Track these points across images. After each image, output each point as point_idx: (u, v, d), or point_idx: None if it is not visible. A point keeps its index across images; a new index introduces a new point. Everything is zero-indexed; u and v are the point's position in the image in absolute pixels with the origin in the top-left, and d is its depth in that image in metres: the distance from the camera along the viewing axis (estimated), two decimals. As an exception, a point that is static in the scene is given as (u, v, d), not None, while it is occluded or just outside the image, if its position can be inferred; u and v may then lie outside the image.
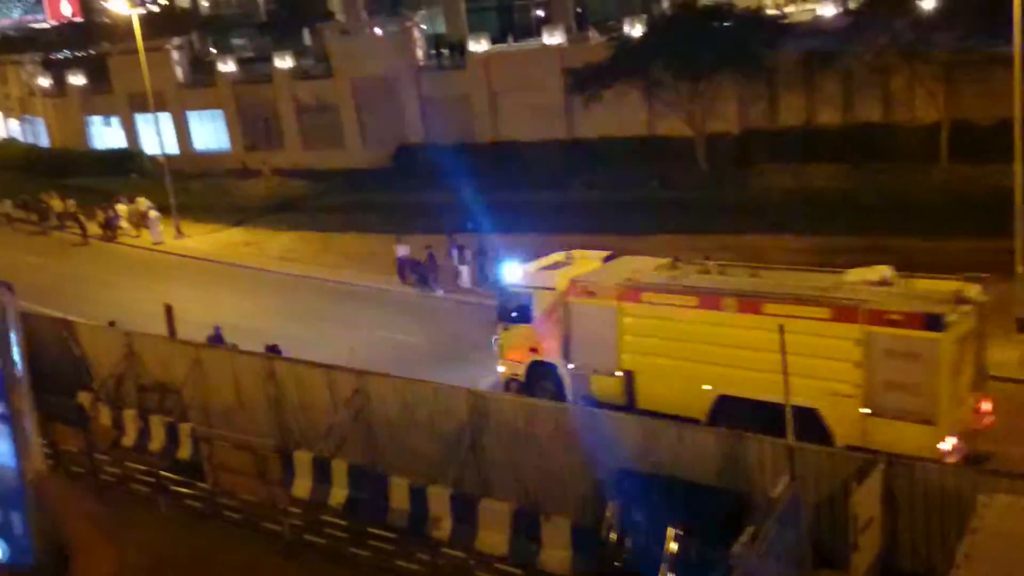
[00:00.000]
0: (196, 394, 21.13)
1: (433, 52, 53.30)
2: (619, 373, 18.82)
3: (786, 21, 40.43)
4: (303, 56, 57.97)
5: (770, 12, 43.37)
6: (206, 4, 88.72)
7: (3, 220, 45.81)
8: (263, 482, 17.13)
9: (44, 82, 63.74)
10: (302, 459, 18.53)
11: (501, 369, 20.93)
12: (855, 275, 17.56)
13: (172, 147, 51.17)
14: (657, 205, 34.78)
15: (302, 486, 18.27)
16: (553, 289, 19.76)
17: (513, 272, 21.26)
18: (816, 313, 16.48)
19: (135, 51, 43.02)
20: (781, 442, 13.91)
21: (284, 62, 52.13)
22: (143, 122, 54.87)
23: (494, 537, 15.95)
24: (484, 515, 16.21)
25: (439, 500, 16.68)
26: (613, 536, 14.49)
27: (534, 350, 20.21)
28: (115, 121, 58.68)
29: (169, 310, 25.92)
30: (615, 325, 18.70)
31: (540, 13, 62.21)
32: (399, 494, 17.21)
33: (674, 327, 17.99)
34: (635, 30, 40.75)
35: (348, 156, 49.20)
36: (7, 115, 71.06)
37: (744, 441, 14.63)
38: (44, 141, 63.76)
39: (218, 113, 54.55)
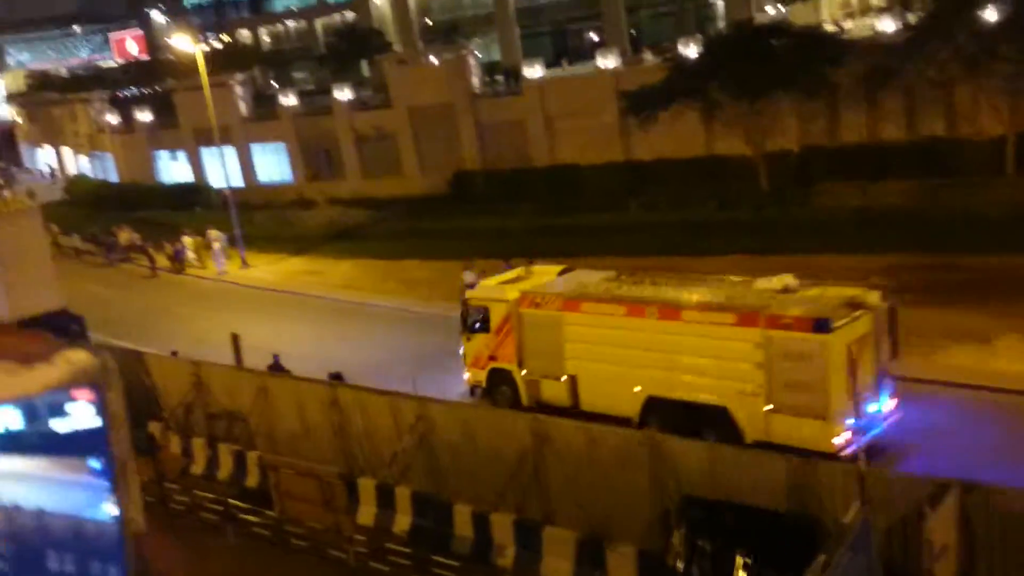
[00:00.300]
0: (262, 422, 21.44)
1: (488, 79, 53.88)
2: (564, 378, 20.56)
3: (845, 37, 39.95)
4: (362, 87, 59.08)
5: (828, 29, 42.88)
6: (268, 40, 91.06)
7: (72, 254, 47.26)
8: (328, 509, 17.25)
9: (112, 119, 65.84)
10: (366, 486, 18.65)
11: (466, 376, 22.88)
12: (762, 283, 19.14)
13: (236, 179, 52.37)
14: (717, 226, 34.47)
15: (367, 513, 18.38)
16: (507, 301, 21.53)
17: (474, 286, 23.63)
18: (723, 319, 17.91)
19: (200, 87, 44.24)
20: (852, 466, 13.61)
21: (343, 93, 53.09)
22: (208, 155, 56.31)
23: (559, 565, 15.83)
24: (548, 542, 16.11)
25: (502, 527, 16.63)
26: (680, 564, 14.26)
27: (493, 358, 22.02)
28: (181, 155, 60.30)
29: (235, 339, 26.42)
30: (559, 333, 20.45)
31: (594, 37, 62.57)
32: (463, 521, 17.20)
33: (608, 334, 19.63)
34: (690, 51, 40.63)
35: (406, 183, 49.82)
36: (77, 152, 73.55)
37: (813, 466, 14.34)
38: (113, 176, 65.78)
39: (280, 145, 55.73)
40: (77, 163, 74.11)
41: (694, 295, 19.40)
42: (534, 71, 46.61)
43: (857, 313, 17.48)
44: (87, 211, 57.16)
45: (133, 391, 23.11)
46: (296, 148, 55.14)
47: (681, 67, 39.21)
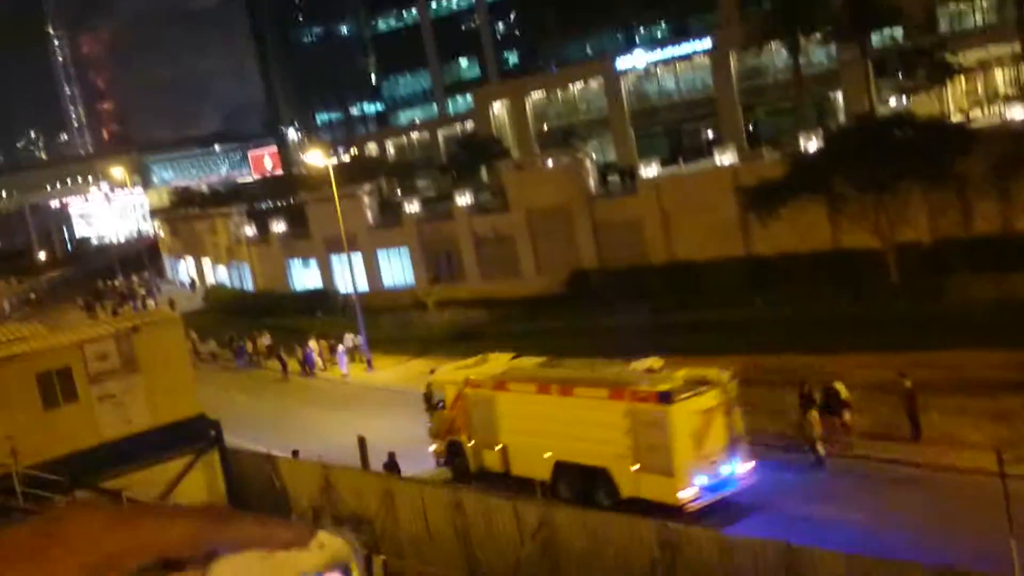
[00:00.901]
0: (388, 525, 21.51)
1: (604, 179, 54.56)
2: (498, 447, 24.15)
3: (972, 126, 38.80)
4: (481, 192, 60.75)
5: (955, 118, 41.77)
6: (393, 151, 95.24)
7: (209, 359, 49.44)
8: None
9: (249, 230, 69.52)
10: (490, 593, 18.37)
11: (432, 447, 26.45)
12: (635, 365, 22.82)
13: (362, 284, 54.15)
14: (847, 322, 33.32)
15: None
16: (457, 383, 25.43)
17: (436, 372, 28.17)
18: (600, 393, 21.60)
19: (330, 198, 46.37)
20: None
21: (463, 199, 54.68)
22: (337, 262, 58.57)
23: None
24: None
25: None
26: None
27: (449, 431, 25.72)
28: (312, 263, 62.93)
29: (362, 442, 26.85)
30: (493, 409, 24.12)
31: (710, 134, 62.81)
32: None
33: (526, 409, 23.25)
34: (811, 145, 40.20)
35: (524, 284, 50.41)
36: (216, 262, 77.70)
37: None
38: (249, 285, 69.05)
39: (404, 250, 57.53)
40: (216, 273, 78.22)
41: (584, 374, 22.97)
42: (650, 170, 46.95)
43: (702, 388, 20.63)
44: (224, 318, 60.00)
45: (265, 493, 23.68)
46: (418, 252, 56.80)
47: (802, 161, 38.76)
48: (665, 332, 36.57)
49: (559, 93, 73.67)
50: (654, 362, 22.88)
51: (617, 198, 50.06)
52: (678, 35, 68.67)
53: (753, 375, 26.63)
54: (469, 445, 25.09)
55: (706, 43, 63.79)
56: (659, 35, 71.78)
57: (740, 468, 20.99)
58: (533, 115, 74.70)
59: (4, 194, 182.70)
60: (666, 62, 66.52)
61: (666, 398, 20.27)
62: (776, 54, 58.90)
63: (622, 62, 67.68)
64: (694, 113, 66.02)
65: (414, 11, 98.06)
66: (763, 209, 38.28)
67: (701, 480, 20.22)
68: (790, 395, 25.20)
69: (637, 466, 20.75)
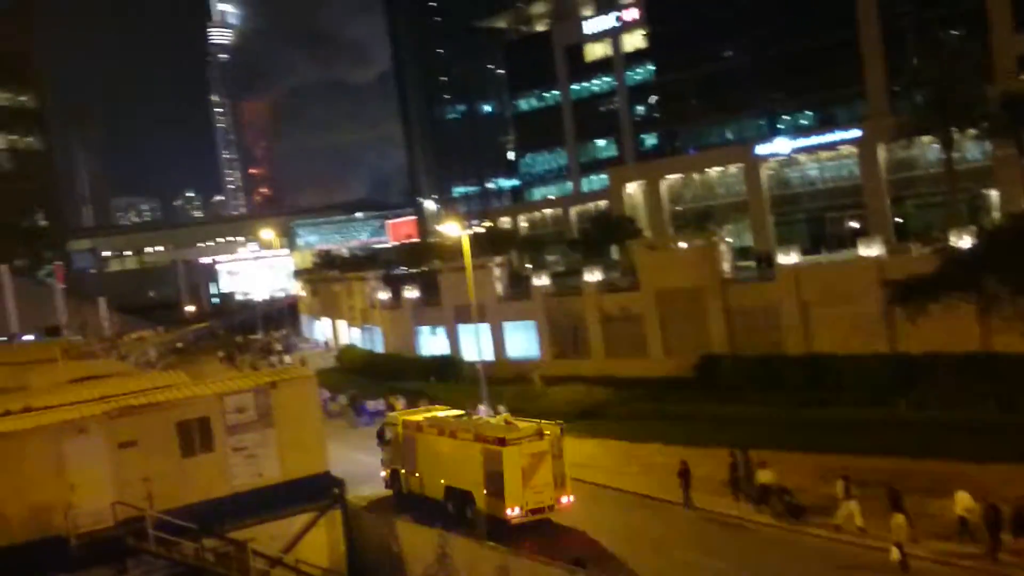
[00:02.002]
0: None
1: (739, 264, 53.54)
2: (418, 474, 31.49)
3: None
4: (611, 270, 60.60)
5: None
6: (525, 225, 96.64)
7: (337, 416, 50.42)
8: None
9: (383, 295, 71.42)
10: None
11: (382, 473, 33.64)
12: (497, 419, 32.23)
13: (488, 354, 54.49)
14: (996, 428, 31.18)
15: None
16: (397, 425, 33.18)
17: (390, 416, 36.08)
18: (469, 437, 29.00)
19: (462, 268, 47.13)
20: None
21: (593, 275, 54.62)
22: (464, 331, 59.30)
23: None
24: None
25: None
26: None
27: (391, 462, 33.21)
28: (440, 330, 63.91)
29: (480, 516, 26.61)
30: (415, 446, 31.78)
31: (854, 225, 60.97)
32: None
33: (432, 447, 30.86)
34: (963, 241, 38.36)
35: (651, 365, 49.59)
36: (351, 324, 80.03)
37: None
38: (379, 347, 70.64)
39: (530, 323, 57.74)
40: (349, 334, 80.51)
41: (465, 424, 30.89)
42: (789, 257, 45.78)
43: (533, 437, 27.54)
44: (354, 378, 61.45)
45: (382, 556, 23.67)
46: (545, 326, 56.88)
47: (954, 258, 36.94)
48: (799, 428, 35.12)
49: (696, 176, 73.34)
50: (507, 416, 32.04)
51: (753, 284, 48.92)
52: (823, 124, 67.52)
53: (898, 481, 25.14)
54: (402, 472, 32.50)
55: (853, 133, 62.48)
56: (803, 123, 70.77)
57: (562, 498, 27.73)
58: (668, 196, 74.50)
59: (161, 248, 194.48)
60: (810, 150, 65.40)
61: (502, 442, 27.26)
62: (927, 147, 57.08)
63: (763, 148, 66.94)
64: (838, 202, 64.38)
65: (555, 92, 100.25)
66: (910, 305, 36.46)
67: (526, 504, 27.03)
68: (940, 501, 23.67)
69: (485, 491, 27.74)
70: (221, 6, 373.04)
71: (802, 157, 66.24)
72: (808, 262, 47.41)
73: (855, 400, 37.21)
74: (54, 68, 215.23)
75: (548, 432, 27.84)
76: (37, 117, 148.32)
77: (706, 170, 72.52)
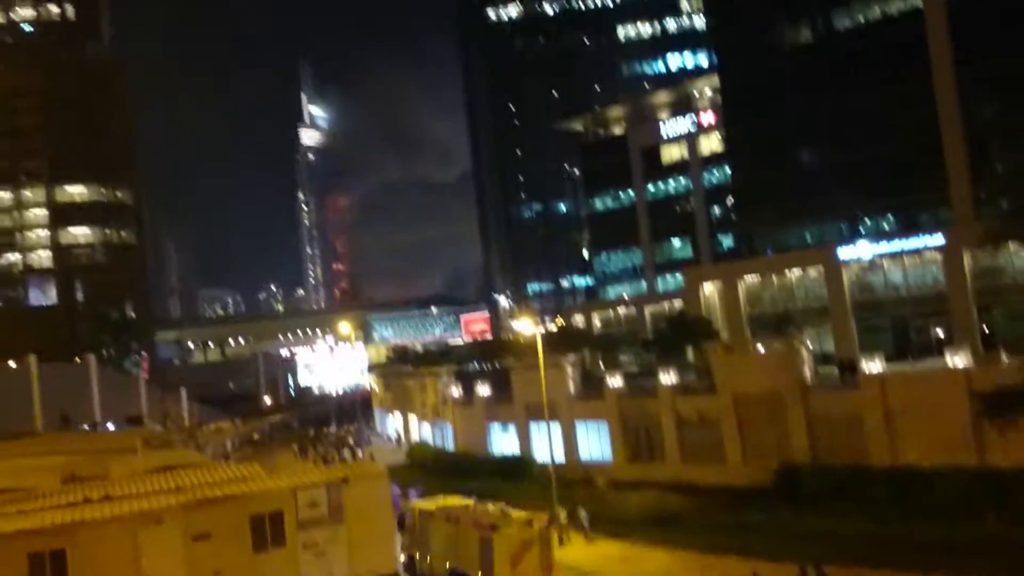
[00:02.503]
0: None
1: (821, 370, 52.26)
2: (429, 558, 35.02)
3: None
4: (686, 372, 59.69)
5: None
6: (599, 323, 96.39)
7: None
8: None
9: (455, 391, 71.48)
10: None
11: (400, 558, 35.02)
12: (492, 509, 34.67)
13: (559, 455, 53.73)
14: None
15: None
16: (413, 510, 37.45)
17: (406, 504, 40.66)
18: (469, 523, 33.14)
19: (535, 366, 47.02)
20: None
21: (668, 377, 53.86)
22: (536, 430, 58.77)
23: None
24: None
25: None
26: None
27: (410, 546, 36.65)
28: (511, 428, 63.46)
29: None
30: (427, 531, 35.43)
31: (940, 332, 59.24)
32: None
33: (440, 531, 34.49)
34: (1057, 352, 36.88)
35: (728, 472, 48.22)
36: (422, 419, 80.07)
37: None
38: (450, 444, 70.35)
39: (603, 424, 56.93)
40: (420, 430, 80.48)
41: (466, 513, 34.63)
42: (873, 364, 44.52)
43: (522, 524, 31.79)
44: (423, 475, 61.05)
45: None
46: (618, 428, 55.99)
47: (1045, 369, 35.50)
48: (881, 543, 33.55)
49: (775, 278, 72.50)
50: (504, 507, 34.84)
51: (836, 391, 47.60)
52: (906, 228, 66.41)
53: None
54: (417, 557, 35.77)
55: (937, 239, 61.28)
56: (885, 227, 69.73)
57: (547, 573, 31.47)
58: (746, 298, 73.62)
59: (242, 340, 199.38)
60: (893, 255, 64.24)
61: (493, 528, 31.29)
62: (1015, 255, 55.57)
63: (845, 252, 65.99)
64: (922, 309, 62.73)
65: (631, 192, 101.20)
66: (1000, 418, 35.01)
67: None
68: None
69: (480, 572, 31.32)
70: (312, 108, 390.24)
71: (885, 262, 65.03)
72: (893, 370, 46.00)
73: (941, 515, 35.47)
74: (150, 162, 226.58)
75: (536, 522, 32.54)
76: (132, 212, 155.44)
77: (785, 272, 71.66)
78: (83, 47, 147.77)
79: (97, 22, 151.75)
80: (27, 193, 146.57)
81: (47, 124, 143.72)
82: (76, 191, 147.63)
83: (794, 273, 71.22)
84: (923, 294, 63.23)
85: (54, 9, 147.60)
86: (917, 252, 63.06)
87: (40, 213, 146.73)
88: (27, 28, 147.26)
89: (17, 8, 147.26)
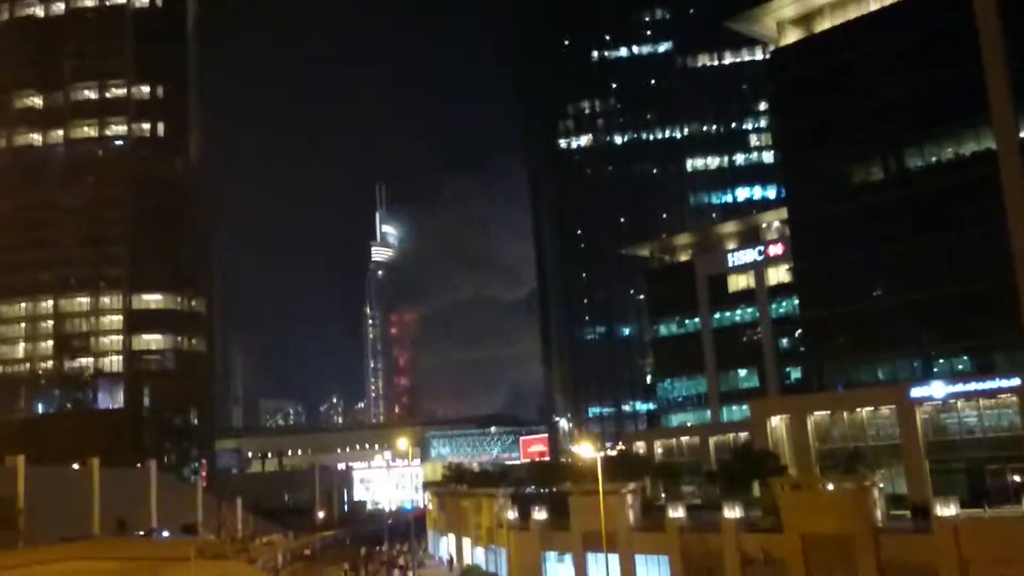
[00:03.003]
0: None
1: (893, 512, 50.08)
2: None
3: None
4: (751, 507, 57.63)
5: None
6: (660, 451, 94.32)
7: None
8: None
9: (511, 514, 69.99)
10: None
11: None
12: None
13: (617, 589, 51.79)
14: None
15: None
16: None
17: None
18: None
19: (594, 492, 46.00)
20: None
21: (733, 512, 52.07)
22: (593, 561, 56.98)
23: None
24: None
25: None
26: None
27: None
28: (567, 558, 61.61)
29: None
30: None
31: (1017, 479, 56.61)
32: None
33: None
34: None
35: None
36: (475, 543, 78.35)
37: None
38: (503, 571, 68.49)
39: (663, 559, 54.93)
40: (473, 554, 78.64)
41: None
42: (948, 509, 42.49)
43: None
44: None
45: None
46: (679, 563, 53.93)
47: None
48: None
49: (845, 414, 70.40)
50: None
51: (908, 535, 45.40)
52: (982, 369, 64.37)
53: None
54: None
55: (1014, 382, 59.34)
56: (959, 367, 67.66)
57: None
58: (815, 433, 71.45)
59: (300, 452, 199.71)
60: (968, 395, 62.13)
61: None
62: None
63: (918, 391, 64.07)
64: (999, 453, 60.09)
65: (696, 320, 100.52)
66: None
67: None
68: None
69: None
70: (385, 227, 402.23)
71: (959, 402, 62.85)
72: (969, 516, 43.85)
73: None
74: (225, 271, 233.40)
75: None
76: (205, 321, 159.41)
77: (856, 409, 69.58)
78: (170, 163, 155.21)
79: (186, 139, 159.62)
80: (105, 299, 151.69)
81: (130, 234, 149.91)
82: (152, 299, 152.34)
83: (865, 410, 69.09)
84: (999, 437, 60.75)
85: (146, 126, 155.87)
86: (992, 394, 60.96)
87: (116, 319, 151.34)
88: (119, 143, 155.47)
89: (112, 124, 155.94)
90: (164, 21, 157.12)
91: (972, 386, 61.99)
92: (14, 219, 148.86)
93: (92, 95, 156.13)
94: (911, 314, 69.03)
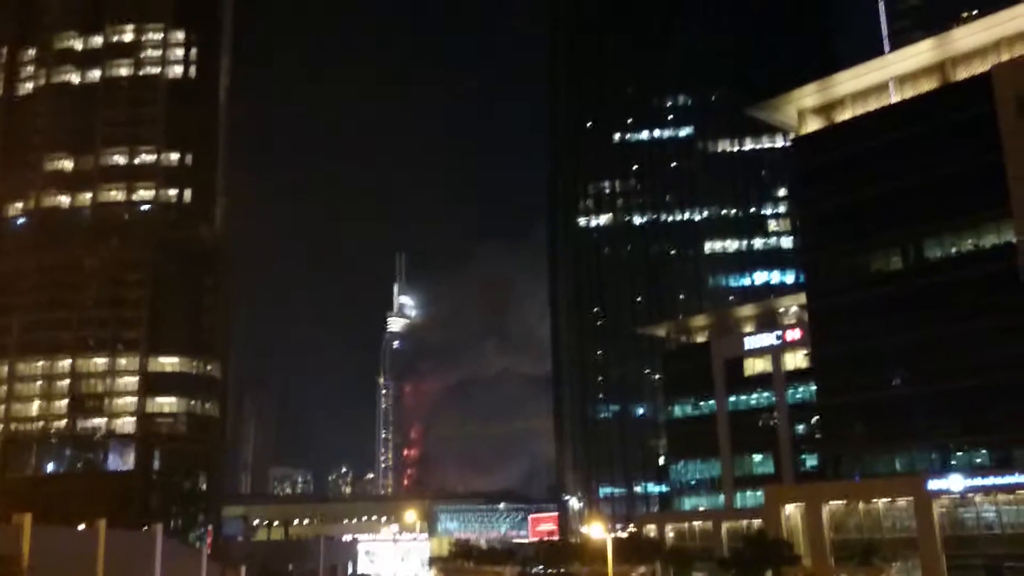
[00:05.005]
0: None
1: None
2: None
3: None
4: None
5: None
6: (671, 535, 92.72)
7: None
8: None
9: (519, 596, 68.73)
10: None
11: None
12: None
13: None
14: None
15: None
16: None
17: None
18: None
19: (603, 574, 45.16)
20: None
21: (745, 602, 50.98)
22: (600, 647, 55.61)
23: None
24: None
25: None
26: None
27: None
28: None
29: None
30: None
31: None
32: None
33: None
34: None
35: None
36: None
37: None
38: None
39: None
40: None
41: None
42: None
43: None
44: None
45: None
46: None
47: None
48: None
49: (861, 504, 69.23)
50: None
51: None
52: (1001, 464, 63.36)
53: None
54: None
55: (1033, 478, 58.44)
56: (978, 460, 66.64)
57: None
58: (830, 522, 70.22)
59: (307, 521, 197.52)
60: (986, 490, 61.06)
61: None
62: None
63: (935, 483, 63.04)
64: (1019, 551, 58.78)
65: (711, 402, 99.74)
66: None
67: None
68: None
69: None
70: (402, 298, 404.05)
71: (977, 497, 61.79)
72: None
73: None
74: (241, 336, 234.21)
75: None
76: (219, 385, 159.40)
77: (873, 500, 68.42)
78: (195, 228, 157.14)
79: (211, 206, 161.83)
80: (122, 361, 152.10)
81: (150, 297, 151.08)
82: (168, 361, 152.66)
83: (882, 501, 67.96)
84: (1018, 534, 59.44)
85: (172, 192, 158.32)
86: (1012, 489, 59.90)
87: (131, 380, 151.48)
88: (145, 207, 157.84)
89: (139, 189, 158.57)
90: (197, 90, 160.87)
91: (991, 480, 61.03)
92: (37, 278, 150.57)
93: (121, 160, 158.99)
94: (929, 404, 68.35)
